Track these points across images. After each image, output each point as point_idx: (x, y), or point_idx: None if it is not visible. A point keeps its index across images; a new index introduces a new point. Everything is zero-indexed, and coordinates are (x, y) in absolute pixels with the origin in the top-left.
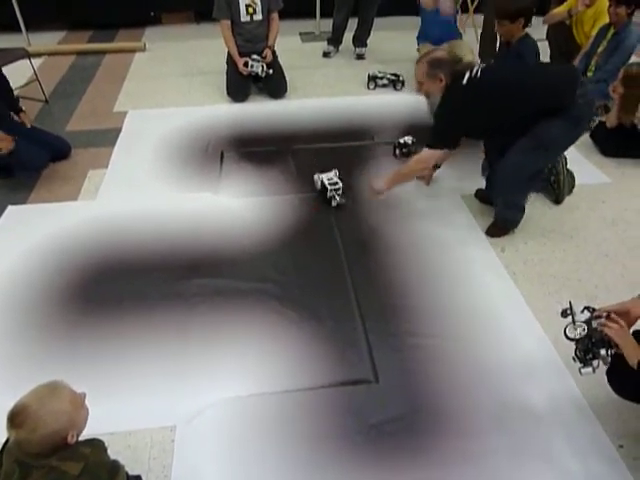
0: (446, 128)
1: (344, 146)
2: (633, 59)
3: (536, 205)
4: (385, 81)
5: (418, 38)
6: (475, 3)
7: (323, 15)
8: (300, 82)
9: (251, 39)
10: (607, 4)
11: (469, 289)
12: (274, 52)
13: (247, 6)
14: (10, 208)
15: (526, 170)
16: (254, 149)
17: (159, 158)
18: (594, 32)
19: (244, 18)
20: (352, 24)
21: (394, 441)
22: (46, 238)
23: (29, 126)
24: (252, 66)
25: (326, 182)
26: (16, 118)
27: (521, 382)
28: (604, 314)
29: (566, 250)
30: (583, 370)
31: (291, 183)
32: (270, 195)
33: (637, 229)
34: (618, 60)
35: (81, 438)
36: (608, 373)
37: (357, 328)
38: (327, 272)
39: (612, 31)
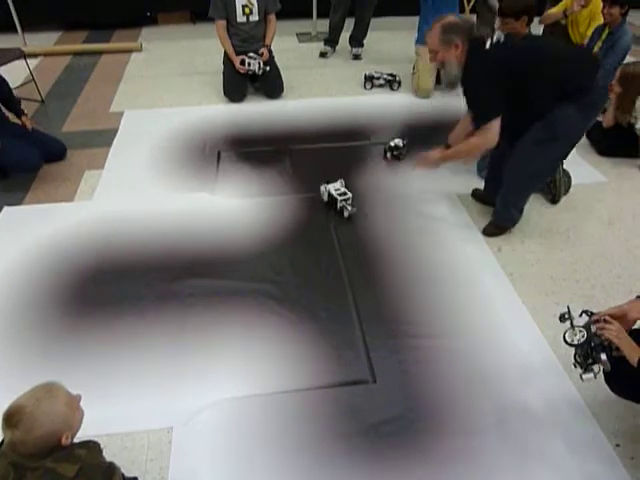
0: (489, 95)
1: (341, 146)
2: (628, 59)
3: (533, 205)
4: (381, 81)
5: (417, 41)
6: (472, 3)
7: (320, 15)
8: (297, 82)
9: (247, 39)
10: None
11: (466, 289)
12: (270, 52)
13: (243, 7)
14: (6, 209)
15: (535, 165)
16: (251, 149)
17: (155, 159)
18: (589, 32)
19: (240, 19)
20: (349, 24)
21: (392, 441)
22: (42, 239)
23: (30, 129)
24: (249, 64)
25: (334, 193)
26: (17, 120)
27: (518, 382)
28: (602, 318)
29: (563, 250)
30: (584, 376)
31: (288, 183)
32: (267, 195)
33: (633, 229)
34: (613, 60)
35: (78, 440)
36: (606, 372)
37: (354, 328)
38: (324, 272)
39: (607, 31)
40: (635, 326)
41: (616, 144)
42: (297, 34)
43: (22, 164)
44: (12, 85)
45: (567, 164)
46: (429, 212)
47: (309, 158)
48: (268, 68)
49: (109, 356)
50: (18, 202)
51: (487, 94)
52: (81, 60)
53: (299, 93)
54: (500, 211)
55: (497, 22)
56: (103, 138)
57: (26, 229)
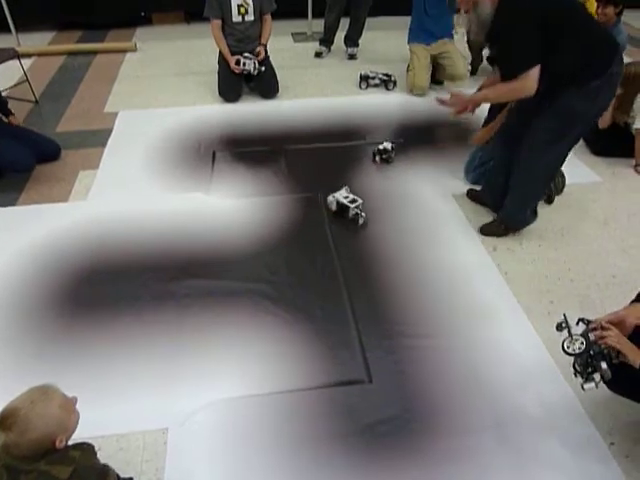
0: (527, 38)
1: (336, 146)
2: (625, 59)
3: None
4: (377, 81)
5: (409, 40)
6: None
7: (315, 15)
8: (292, 82)
9: (242, 39)
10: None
11: (461, 288)
12: (266, 52)
13: (239, 6)
14: (0, 210)
15: (548, 158)
16: (246, 149)
17: (150, 159)
18: None
19: (236, 18)
20: (344, 24)
21: (387, 441)
22: (36, 240)
23: (16, 124)
24: (244, 64)
25: (345, 201)
26: (5, 120)
27: (513, 381)
28: (600, 325)
29: (558, 249)
30: (585, 385)
31: (283, 183)
32: (262, 195)
33: (628, 228)
34: None
35: (73, 441)
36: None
37: (350, 328)
38: (320, 272)
39: None
40: None
41: (611, 144)
42: (292, 34)
43: (14, 165)
44: (6, 85)
45: (567, 165)
46: (424, 212)
47: (304, 158)
48: (263, 68)
49: (104, 357)
50: (12, 202)
51: (525, 37)
52: (75, 60)
53: (294, 93)
54: (513, 213)
55: None
56: (97, 138)
57: (20, 230)
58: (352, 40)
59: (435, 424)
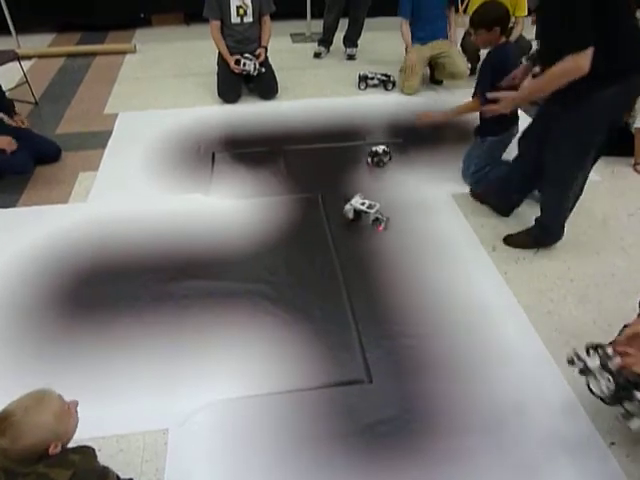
0: (582, 12)
1: (335, 146)
2: None
3: (527, 204)
4: (376, 81)
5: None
6: (465, 3)
7: (314, 16)
8: (291, 83)
9: (241, 40)
10: None
11: (460, 289)
12: (265, 53)
13: (238, 7)
14: (0, 211)
15: (577, 169)
16: (245, 150)
17: (150, 160)
18: None
19: (234, 20)
20: (343, 25)
21: (388, 441)
22: (36, 241)
23: (24, 126)
24: (244, 64)
25: (363, 207)
26: (11, 122)
27: (513, 381)
28: (612, 352)
29: (557, 249)
30: (632, 425)
31: (282, 184)
32: (261, 196)
33: (627, 227)
34: None
35: (73, 443)
36: None
37: (350, 329)
38: (319, 272)
39: None
40: None
41: (609, 143)
42: (291, 35)
43: (13, 168)
44: (5, 87)
45: None
46: (423, 212)
47: (304, 159)
48: (263, 69)
49: (104, 358)
50: (12, 204)
51: (579, 11)
52: (75, 62)
53: (293, 94)
54: (549, 228)
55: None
56: (97, 140)
57: (20, 231)
58: (351, 41)
59: (435, 424)
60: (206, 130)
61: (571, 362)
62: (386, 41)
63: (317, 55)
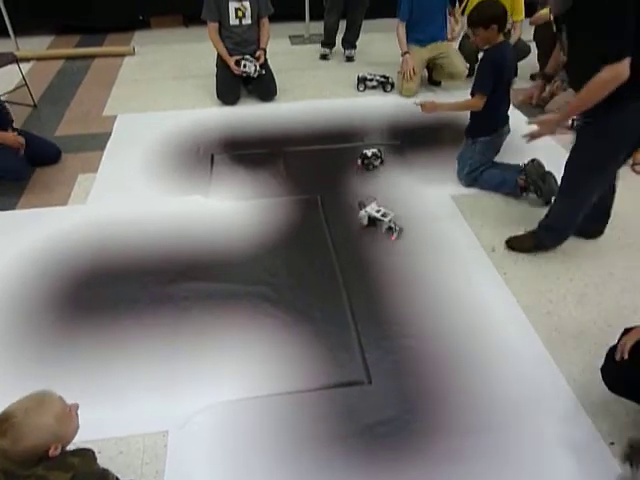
0: (622, 16)
1: (334, 148)
2: None
3: (526, 205)
4: (374, 83)
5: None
6: (464, 3)
7: (312, 18)
8: (290, 84)
9: (240, 42)
10: None
11: (460, 289)
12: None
13: (236, 10)
14: None
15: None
16: (244, 152)
17: (149, 162)
18: None
19: (233, 22)
20: (341, 27)
21: (387, 442)
22: (36, 243)
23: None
24: (245, 65)
25: (377, 215)
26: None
27: (512, 381)
28: None
29: (556, 249)
30: None
31: (282, 186)
32: (261, 198)
33: (625, 227)
34: None
35: (73, 445)
36: (602, 370)
37: (350, 330)
38: (319, 274)
39: None
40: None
41: None
42: (290, 37)
43: (9, 174)
44: (4, 90)
45: (558, 163)
46: (422, 213)
47: (303, 160)
48: (264, 71)
49: (104, 360)
50: (12, 206)
51: (619, 15)
52: (74, 64)
53: (292, 95)
54: (555, 230)
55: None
56: (97, 142)
57: (20, 233)
58: (349, 42)
59: (435, 425)
60: (205, 132)
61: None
62: (385, 43)
63: (324, 57)
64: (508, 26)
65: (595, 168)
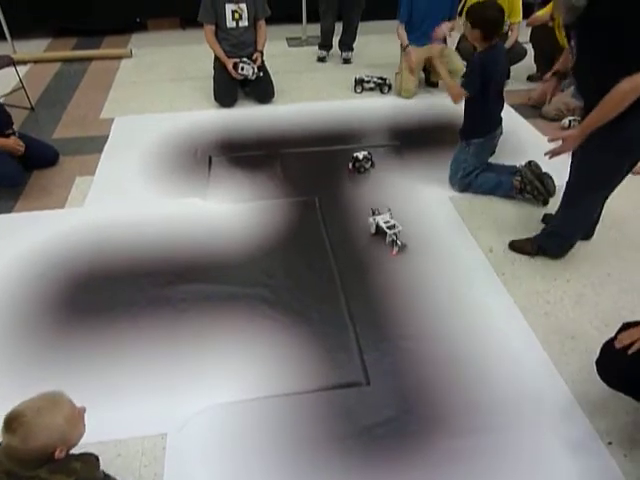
0: None
1: (332, 150)
2: None
3: (524, 206)
4: (372, 85)
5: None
6: (462, 5)
7: (309, 20)
8: (287, 87)
9: (237, 44)
10: None
11: (458, 290)
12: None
13: (233, 12)
14: None
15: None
16: (242, 154)
17: (147, 164)
18: None
19: (230, 24)
20: (337, 28)
21: (386, 443)
22: (33, 246)
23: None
24: (242, 68)
25: (384, 226)
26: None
27: (510, 382)
28: None
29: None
30: None
31: (279, 187)
32: (258, 200)
33: (623, 227)
34: None
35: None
36: (597, 363)
37: (348, 331)
38: (317, 275)
39: None
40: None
41: None
42: (287, 39)
43: (4, 180)
44: (1, 92)
45: (559, 163)
46: (420, 214)
47: (300, 162)
48: (262, 73)
49: (101, 362)
50: (9, 210)
51: None
52: (71, 67)
53: (290, 97)
54: (558, 237)
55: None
56: (94, 144)
57: (17, 236)
58: (346, 44)
59: (433, 426)
60: (203, 134)
61: None
62: (382, 44)
63: (321, 59)
64: (505, 28)
65: (600, 181)
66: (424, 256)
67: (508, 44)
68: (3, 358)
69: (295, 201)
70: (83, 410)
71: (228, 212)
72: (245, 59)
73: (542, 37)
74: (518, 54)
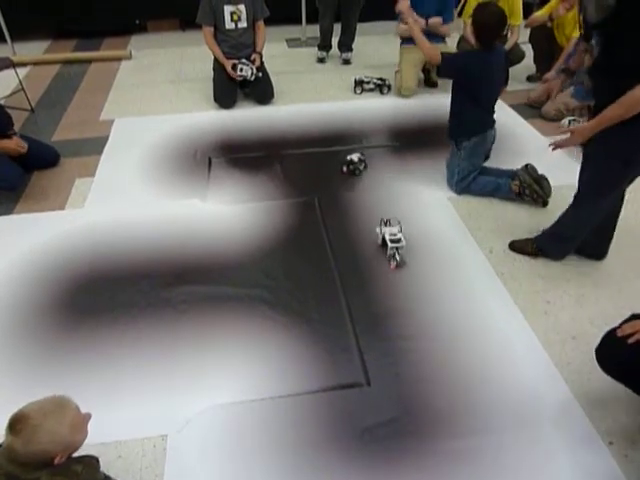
0: None
1: (331, 151)
2: None
3: (523, 207)
4: (371, 85)
5: (402, 43)
6: (460, 6)
7: (309, 21)
8: (287, 88)
9: (236, 46)
10: None
11: (458, 290)
12: (260, 58)
13: (232, 13)
14: None
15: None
16: (242, 155)
17: (146, 166)
18: (575, 34)
19: (229, 25)
20: (336, 29)
21: (387, 444)
22: (33, 248)
23: (23, 151)
24: (241, 69)
25: (387, 239)
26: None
27: (511, 382)
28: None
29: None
30: None
31: (279, 188)
32: (258, 201)
33: (622, 227)
34: None
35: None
36: (597, 351)
37: (348, 332)
38: (317, 277)
39: None
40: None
41: None
42: (286, 40)
43: (2, 183)
44: (1, 94)
45: (559, 164)
46: (420, 215)
47: (300, 163)
48: (261, 74)
49: (101, 364)
50: (9, 211)
51: None
52: (70, 69)
53: (289, 98)
54: (554, 244)
55: None
56: (94, 146)
57: (17, 238)
58: (346, 45)
59: (434, 426)
60: (202, 135)
61: None
62: (381, 45)
63: (321, 60)
64: (505, 30)
65: (606, 187)
66: (424, 256)
67: (507, 46)
68: (3, 359)
69: (295, 202)
70: (89, 417)
71: (228, 213)
72: (244, 60)
73: (541, 37)
74: (516, 56)
